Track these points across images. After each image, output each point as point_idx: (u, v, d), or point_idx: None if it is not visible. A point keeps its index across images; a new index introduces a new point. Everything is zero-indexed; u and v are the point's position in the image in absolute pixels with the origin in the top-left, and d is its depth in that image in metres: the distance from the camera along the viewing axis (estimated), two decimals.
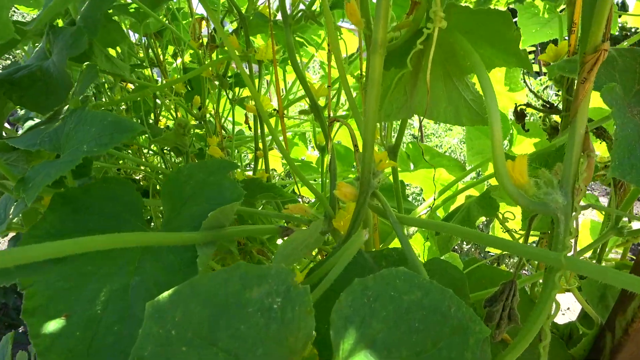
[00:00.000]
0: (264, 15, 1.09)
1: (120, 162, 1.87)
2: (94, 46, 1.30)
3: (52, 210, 0.67)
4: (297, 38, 1.36)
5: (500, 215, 0.87)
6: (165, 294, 0.41)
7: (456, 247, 3.90)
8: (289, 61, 1.63)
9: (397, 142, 0.72)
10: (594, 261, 0.97)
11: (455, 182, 1.04)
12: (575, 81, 0.47)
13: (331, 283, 0.43)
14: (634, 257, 1.05)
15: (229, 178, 0.61)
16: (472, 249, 3.94)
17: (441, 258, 0.67)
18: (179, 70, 1.96)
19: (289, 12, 0.92)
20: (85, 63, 1.01)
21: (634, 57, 0.56)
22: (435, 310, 0.34)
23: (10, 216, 0.77)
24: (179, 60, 1.90)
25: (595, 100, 0.78)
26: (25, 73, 1.04)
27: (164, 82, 1.49)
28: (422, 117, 0.60)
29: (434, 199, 0.99)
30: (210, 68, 1.33)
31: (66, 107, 1.00)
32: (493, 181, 1.13)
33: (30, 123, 1.48)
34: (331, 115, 0.81)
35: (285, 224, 0.79)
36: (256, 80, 1.19)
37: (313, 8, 0.98)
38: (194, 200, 0.62)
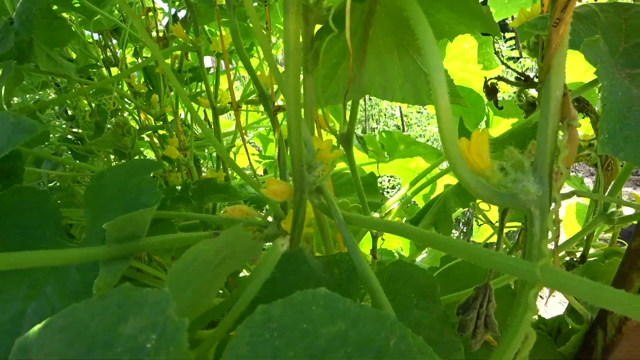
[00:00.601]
0: (211, 1, 1.00)
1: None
2: (34, 45, 1.19)
3: None
4: (252, 24, 1.26)
5: (476, 206, 0.78)
6: (37, 327, 0.32)
7: None
8: (252, 53, 1.54)
9: (350, 129, 0.63)
10: (581, 249, 0.89)
11: (428, 170, 0.95)
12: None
13: (244, 307, 0.34)
14: (624, 242, 0.98)
15: (148, 180, 0.51)
16: (461, 238, 3.85)
17: (406, 261, 0.58)
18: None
19: None
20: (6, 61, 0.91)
21: (617, 11, 0.48)
22: (365, 345, 0.25)
23: None
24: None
25: (573, 73, 0.69)
26: None
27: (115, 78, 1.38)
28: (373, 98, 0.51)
29: (391, 190, 0.91)
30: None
31: None
32: None
33: None
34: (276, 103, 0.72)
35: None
36: (213, 74, 1.10)
37: None
38: (110, 208, 0.53)
